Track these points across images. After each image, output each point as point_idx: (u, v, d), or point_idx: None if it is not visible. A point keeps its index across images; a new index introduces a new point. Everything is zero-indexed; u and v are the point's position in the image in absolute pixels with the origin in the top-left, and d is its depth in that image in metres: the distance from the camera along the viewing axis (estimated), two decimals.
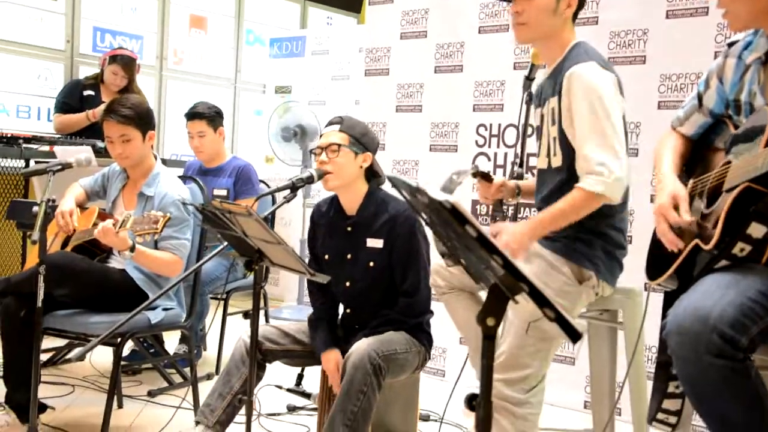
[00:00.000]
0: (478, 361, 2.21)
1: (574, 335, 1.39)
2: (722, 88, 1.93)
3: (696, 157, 2.04)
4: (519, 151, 2.76)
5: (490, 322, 1.50)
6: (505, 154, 4.14)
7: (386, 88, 4.62)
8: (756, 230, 1.68)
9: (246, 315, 4.59)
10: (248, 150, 6.56)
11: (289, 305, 6.03)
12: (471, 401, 1.53)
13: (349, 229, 2.81)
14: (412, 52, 4.51)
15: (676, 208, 1.84)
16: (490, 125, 4.22)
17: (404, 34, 4.56)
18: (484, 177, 2.64)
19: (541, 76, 2.57)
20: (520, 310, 2.24)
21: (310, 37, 6.58)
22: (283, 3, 7.50)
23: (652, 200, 3.59)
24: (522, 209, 3.97)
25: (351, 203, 2.81)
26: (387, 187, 2.98)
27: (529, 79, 2.63)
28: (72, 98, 5.13)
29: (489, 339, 1.51)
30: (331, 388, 2.74)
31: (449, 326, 2.94)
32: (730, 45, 1.92)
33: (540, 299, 1.41)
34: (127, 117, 3.17)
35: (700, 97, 2.02)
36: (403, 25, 4.55)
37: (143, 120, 3.22)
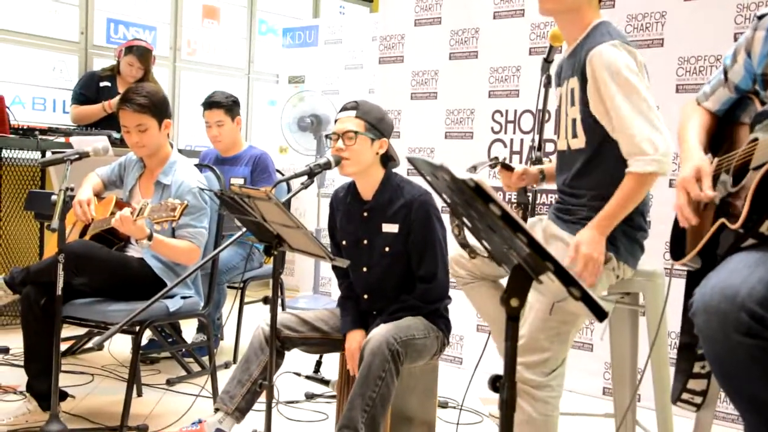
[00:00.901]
0: (503, 347, 2.20)
1: (601, 314, 1.38)
2: (750, 63, 1.89)
3: (721, 133, 2.01)
4: (537, 134, 2.74)
5: (514, 302, 1.49)
6: (521, 140, 4.12)
7: (401, 75, 4.60)
8: None
9: (266, 300, 4.59)
10: (262, 140, 6.55)
11: (305, 295, 6.04)
12: (495, 382, 1.51)
13: (365, 214, 2.80)
14: (427, 38, 4.49)
15: (699, 182, 1.81)
16: (506, 111, 4.19)
17: (418, 20, 4.53)
18: (505, 167, 2.62)
19: (561, 56, 2.54)
20: (542, 291, 2.22)
21: (322, 26, 6.56)
22: None
23: (671, 185, 3.57)
24: (540, 195, 3.95)
25: (367, 189, 2.81)
26: (403, 171, 2.98)
27: (547, 61, 2.61)
28: (89, 90, 5.15)
29: (513, 320, 1.50)
30: (350, 374, 2.74)
31: (466, 314, 2.94)
32: (760, 18, 1.88)
33: (566, 278, 1.39)
34: (143, 106, 3.17)
35: (725, 72, 1.99)
36: (417, 11, 4.53)
37: (159, 108, 3.22)
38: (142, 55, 5.08)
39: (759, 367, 1.57)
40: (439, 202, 2.61)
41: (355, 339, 2.73)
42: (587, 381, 3.79)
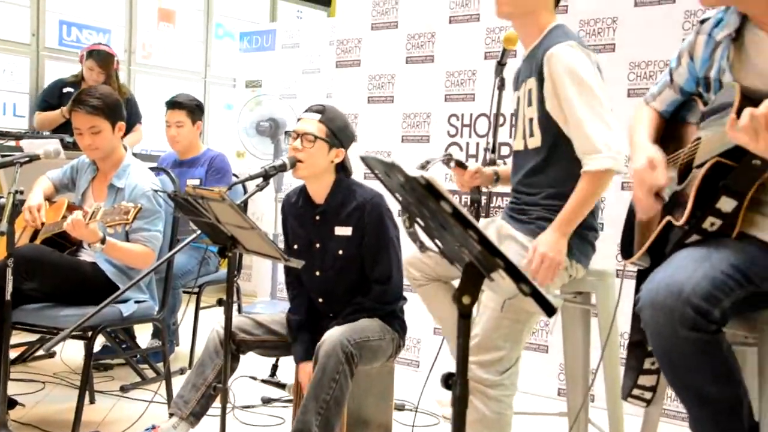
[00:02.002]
0: (454, 348, 2.21)
1: (550, 309, 1.40)
2: (693, 65, 1.95)
3: (668, 134, 2.05)
4: (491, 137, 2.76)
5: (466, 300, 1.50)
6: (477, 144, 4.15)
7: (357, 79, 4.61)
8: (726, 204, 1.71)
9: (220, 302, 4.55)
10: (219, 145, 6.50)
11: (263, 300, 6.00)
12: (447, 380, 1.52)
13: (317, 218, 2.80)
14: (383, 42, 4.50)
15: (653, 170, 1.84)
16: (462, 115, 4.22)
17: (375, 24, 4.55)
18: (458, 164, 2.64)
19: (517, 60, 2.58)
20: (494, 289, 2.24)
21: (280, 30, 6.55)
22: None
23: (623, 187, 3.64)
24: (494, 198, 3.99)
25: (319, 192, 2.80)
26: (359, 175, 2.98)
27: (501, 64, 2.64)
28: (51, 96, 5.15)
29: (465, 318, 1.52)
30: None
31: (423, 317, 2.94)
32: (702, 22, 1.94)
33: (515, 274, 1.41)
34: (96, 108, 3.12)
35: (671, 74, 2.04)
36: (374, 15, 4.54)
37: (112, 111, 3.18)
38: (102, 59, 5.03)
39: (704, 360, 1.61)
40: (392, 203, 2.62)
41: (307, 371, 2.67)
42: (543, 382, 3.83)
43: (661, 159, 1.87)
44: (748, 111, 1.49)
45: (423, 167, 2.56)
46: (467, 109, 4.20)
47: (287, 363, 3.07)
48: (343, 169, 2.82)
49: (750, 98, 1.66)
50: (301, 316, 2.83)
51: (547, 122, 2.32)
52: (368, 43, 4.58)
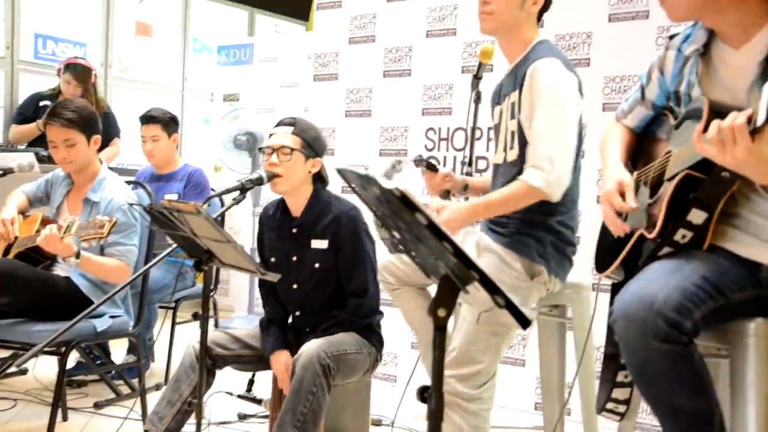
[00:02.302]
0: (429, 357, 2.22)
1: (524, 322, 1.40)
2: (663, 80, 1.97)
3: (640, 149, 2.08)
4: (468, 150, 2.77)
5: (441, 313, 1.50)
6: (455, 158, 4.17)
7: (335, 93, 4.62)
8: (696, 216, 1.73)
9: (195, 316, 4.52)
10: (196, 159, 6.47)
11: (240, 315, 5.96)
12: (422, 393, 1.52)
13: (294, 231, 2.80)
14: (361, 56, 4.52)
15: (622, 194, 1.87)
16: (439, 129, 4.24)
17: (352, 38, 4.56)
18: (429, 166, 2.64)
19: (495, 74, 2.60)
20: (470, 302, 2.25)
21: (258, 44, 6.55)
22: (231, 10, 7.45)
23: (598, 201, 3.66)
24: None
25: (297, 205, 2.80)
26: (337, 188, 2.99)
27: (477, 77, 2.65)
28: (27, 109, 5.10)
29: (440, 330, 1.52)
30: (282, 392, 2.71)
31: (401, 332, 2.94)
32: (671, 37, 1.97)
33: (490, 287, 1.42)
34: (71, 120, 3.10)
35: (642, 90, 2.06)
36: (351, 29, 4.56)
37: (87, 124, 3.16)
38: (79, 73, 4.99)
39: (677, 372, 1.62)
40: (369, 217, 2.62)
41: (281, 361, 2.70)
42: (519, 396, 3.84)
43: (630, 183, 1.90)
44: (715, 124, 1.51)
45: (394, 167, 2.58)
46: (444, 123, 4.22)
47: (264, 378, 3.05)
48: (320, 179, 2.82)
49: (717, 112, 1.69)
50: (273, 317, 2.84)
51: (522, 134, 2.33)
52: (346, 57, 4.59)
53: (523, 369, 3.89)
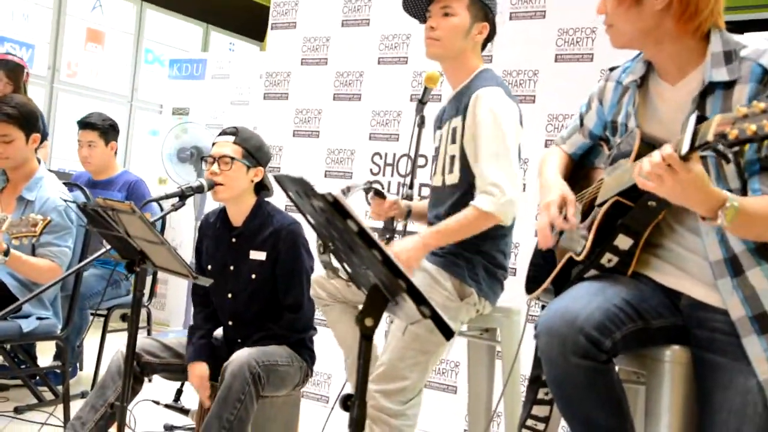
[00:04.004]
0: (354, 373, 2.22)
1: (448, 332, 1.43)
2: (602, 110, 2.05)
3: (576, 176, 2.14)
4: (410, 172, 2.82)
5: (369, 322, 1.53)
6: (399, 183, 4.21)
7: (284, 112, 4.63)
8: (623, 242, 1.79)
9: (124, 318, 4.44)
10: (141, 170, 6.39)
11: (175, 330, 5.87)
12: (345, 402, 1.53)
13: (233, 240, 2.80)
14: (312, 78, 4.55)
15: (563, 208, 1.91)
16: (386, 154, 4.28)
17: (305, 60, 4.60)
18: (378, 194, 2.68)
19: (441, 102, 2.66)
20: (398, 314, 2.27)
21: (211, 60, 6.53)
22: (186, 25, 7.44)
23: (536, 234, 3.74)
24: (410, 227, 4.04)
25: (238, 215, 2.80)
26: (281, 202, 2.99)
27: (422, 102, 2.70)
28: None
29: (366, 339, 1.54)
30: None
31: (335, 352, 2.92)
32: (611, 69, 2.05)
33: (417, 297, 1.44)
34: (10, 116, 3.06)
35: (581, 118, 2.14)
36: (304, 51, 4.59)
37: (27, 121, 3.12)
38: (12, 70, 4.84)
39: (593, 389, 1.66)
40: (309, 234, 2.62)
41: (195, 372, 2.68)
42: (449, 422, 3.85)
43: (572, 198, 1.95)
44: (647, 159, 1.56)
45: (344, 193, 2.59)
46: (390, 149, 4.27)
47: (193, 389, 3.00)
48: (263, 188, 2.83)
49: (650, 144, 1.76)
50: (199, 325, 2.83)
51: (464, 158, 2.39)
52: (297, 78, 4.62)
53: (455, 396, 3.92)
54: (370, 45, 4.35)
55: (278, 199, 3.04)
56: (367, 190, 2.67)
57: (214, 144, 2.80)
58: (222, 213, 2.86)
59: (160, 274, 4.87)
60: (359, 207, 4.00)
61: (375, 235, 1.39)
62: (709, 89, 1.72)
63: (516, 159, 2.35)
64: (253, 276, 2.75)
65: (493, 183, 2.27)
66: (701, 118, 1.47)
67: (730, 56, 1.71)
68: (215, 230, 2.85)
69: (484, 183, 2.29)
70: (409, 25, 2.70)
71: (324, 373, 4.21)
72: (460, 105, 2.44)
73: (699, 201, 1.56)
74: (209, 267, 2.84)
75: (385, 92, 4.30)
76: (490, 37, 2.54)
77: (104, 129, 4.20)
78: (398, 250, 2.26)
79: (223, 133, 2.80)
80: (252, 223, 2.77)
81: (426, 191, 4.01)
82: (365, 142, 4.34)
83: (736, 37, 1.75)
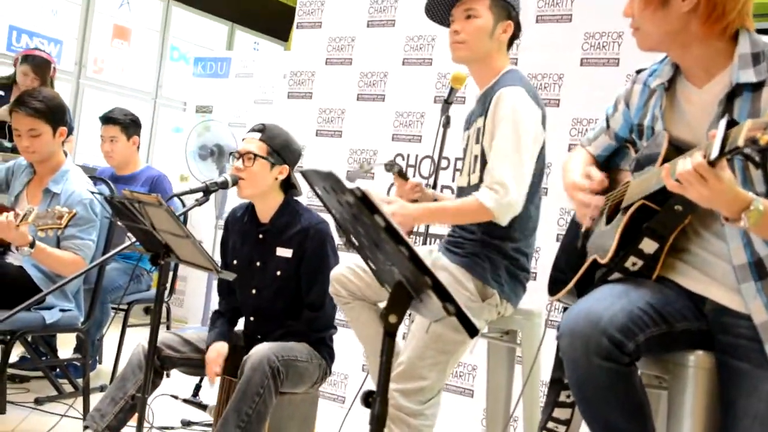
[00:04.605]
0: (376, 369, 2.22)
1: (472, 330, 1.43)
2: (628, 113, 2.03)
3: None
4: (433, 173, 2.81)
5: (392, 319, 1.53)
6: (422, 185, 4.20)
7: (308, 111, 4.64)
8: (648, 246, 1.78)
9: (147, 311, 4.45)
10: (164, 167, 6.44)
11: (192, 327, 5.89)
12: (367, 398, 1.53)
13: (260, 236, 2.81)
14: (337, 78, 4.56)
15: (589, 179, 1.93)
16: (408, 155, 4.28)
17: (330, 59, 4.61)
18: (400, 174, 2.65)
19: (467, 104, 2.65)
20: (422, 312, 2.27)
21: (235, 59, 6.57)
22: (211, 24, 7.49)
23: (557, 239, 3.72)
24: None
25: (265, 211, 2.82)
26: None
27: (447, 102, 2.70)
28: None
29: (390, 336, 1.54)
30: (228, 399, 2.68)
31: (353, 352, 2.94)
32: (638, 72, 2.03)
33: (442, 293, 1.44)
34: (37, 110, 3.09)
35: (608, 120, 2.13)
36: (329, 50, 4.60)
37: (54, 115, 3.14)
38: (38, 65, 4.91)
39: (616, 391, 1.65)
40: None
41: (215, 348, 2.70)
42: (466, 426, 3.84)
43: (595, 170, 1.96)
44: (680, 162, 1.55)
45: (362, 167, 2.60)
46: (413, 150, 4.26)
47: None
48: (291, 186, 2.83)
49: (677, 147, 1.75)
50: (224, 310, 2.87)
51: (485, 158, 2.38)
52: (321, 77, 4.63)
53: (472, 399, 3.90)
54: (395, 46, 4.35)
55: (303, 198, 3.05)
56: (389, 168, 2.64)
57: (243, 139, 2.81)
58: (250, 208, 2.87)
59: (181, 271, 4.90)
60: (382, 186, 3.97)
61: (402, 231, 1.39)
62: (736, 91, 1.70)
63: (529, 162, 2.34)
64: (278, 273, 2.76)
65: (500, 182, 2.27)
66: (732, 123, 1.46)
67: (758, 57, 1.69)
68: (242, 225, 2.86)
69: (491, 179, 2.29)
70: (434, 26, 2.70)
71: (341, 373, 4.21)
72: (485, 104, 2.44)
73: (725, 203, 1.55)
74: (234, 262, 2.86)
75: (409, 93, 4.29)
76: (515, 36, 2.53)
77: (126, 124, 4.23)
78: (396, 209, 2.30)
79: (252, 129, 2.81)
80: (279, 220, 2.78)
81: (447, 193, 4.01)
82: (388, 143, 4.34)
83: (766, 38, 1.73)
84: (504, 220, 2.30)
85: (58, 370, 3.74)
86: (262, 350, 2.51)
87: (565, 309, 2.12)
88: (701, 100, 1.80)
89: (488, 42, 2.46)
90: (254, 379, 2.45)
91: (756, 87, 1.68)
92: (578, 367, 1.65)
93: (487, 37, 2.46)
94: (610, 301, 1.67)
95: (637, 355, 1.66)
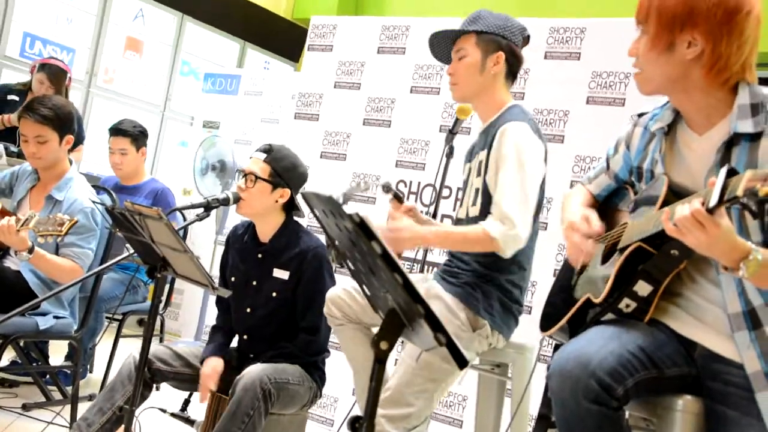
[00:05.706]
0: (364, 396, 2.22)
1: (462, 361, 1.44)
2: (628, 155, 2.05)
3: (600, 216, 2.14)
4: (433, 201, 2.83)
5: (384, 345, 1.53)
6: (421, 213, 4.22)
7: (314, 133, 4.67)
8: (642, 288, 1.78)
9: (141, 323, 4.44)
10: (168, 180, 6.47)
11: (186, 341, 5.89)
12: (354, 424, 1.53)
13: (259, 256, 2.81)
14: (344, 101, 4.59)
15: (587, 222, 1.93)
16: (411, 182, 4.30)
17: (338, 83, 4.64)
18: (396, 196, 2.66)
19: (472, 136, 2.68)
20: (413, 340, 2.27)
21: (245, 76, 6.61)
22: (224, 41, 7.55)
23: (554, 274, 3.73)
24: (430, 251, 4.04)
25: (265, 232, 2.83)
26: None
27: (452, 132, 2.72)
28: None
29: (380, 362, 1.54)
30: (216, 416, 2.68)
31: (343, 376, 2.93)
32: (640, 115, 2.05)
33: (434, 323, 1.45)
34: (45, 117, 3.11)
35: (608, 160, 2.14)
36: (338, 74, 4.64)
37: (62, 122, 3.17)
38: (54, 74, 4.97)
39: None
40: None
41: (210, 362, 2.70)
42: None
43: (596, 217, 1.96)
44: (678, 207, 1.57)
45: (358, 185, 2.62)
46: (416, 177, 4.28)
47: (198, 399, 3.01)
48: (294, 208, 2.84)
49: (676, 192, 1.76)
50: (222, 325, 2.87)
51: (487, 192, 2.40)
52: (329, 100, 4.66)
53: (460, 430, 3.89)
54: (404, 73, 4.39)
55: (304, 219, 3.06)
56: (386, 190, 2.66)
57: (250, 158, 2.83)
58: (251, 227, 2.88)
59: (178, 284, 4.91)
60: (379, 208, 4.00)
61: (397, 259, 1.40)
62: (734, 140, 1.72)
63: (534, 199, 2.35)
64: (274, 294, 2.76)
65: (507, 216, 2.28)
66: (732, 172, 1.47)
67: (757, 108, 1.71)
68: (242, 243, 2.88)
69: (499, 214, 2.30)
70: None
71: (331, 396, 4.19)
72: (487, 139, 2.46)
73: (723, 251, 1.56)
74: (233, 279, 2.86)
75: (415, 121, 4.32)
76: (515, 65, 2.54)
77: (135, 135, 4.26)
78: (401, 225, 2.33)
79: (259, 149, 2.83)
80: (278, 241, 2.79)
81: (447, 222, 4.02)
82: (391, 169, 4.36)
83: (766, 90, 1.75)
84: (508, 253, 2.30)
85: (48, 376, 3.73)
86: (254, 371, 2.51)
87: (556, 346, 2.13)
88: (701, 147, 1.81)
89: (479, 78, 2.48)
90: (245, 400, 2.44)
91: (754, 137, 1.70)
92: (566, 408, 1.66)
93: (477, 73, 2.48)
94: (600, 344, 1.67)
95: (625, 399, 1.66)
